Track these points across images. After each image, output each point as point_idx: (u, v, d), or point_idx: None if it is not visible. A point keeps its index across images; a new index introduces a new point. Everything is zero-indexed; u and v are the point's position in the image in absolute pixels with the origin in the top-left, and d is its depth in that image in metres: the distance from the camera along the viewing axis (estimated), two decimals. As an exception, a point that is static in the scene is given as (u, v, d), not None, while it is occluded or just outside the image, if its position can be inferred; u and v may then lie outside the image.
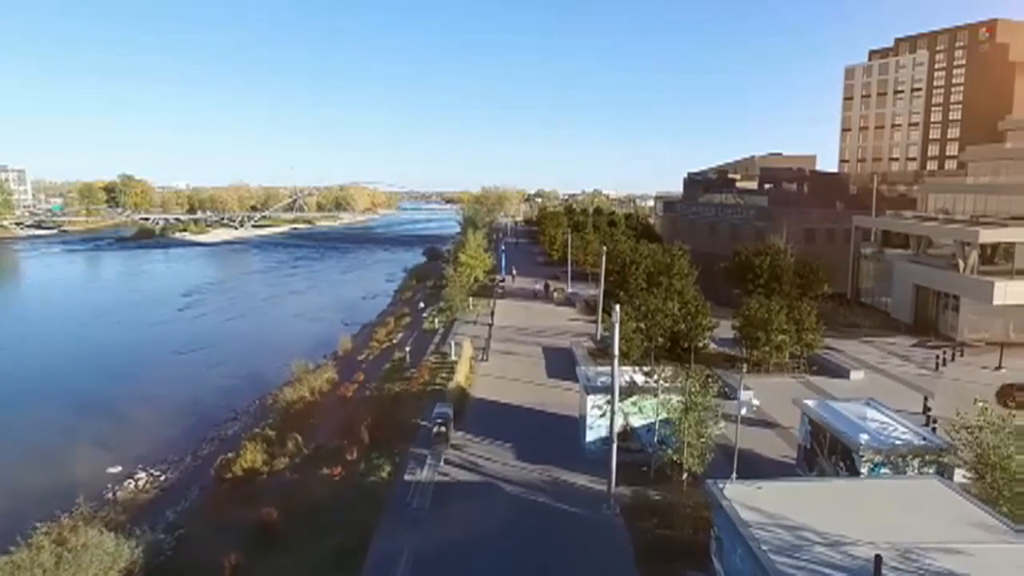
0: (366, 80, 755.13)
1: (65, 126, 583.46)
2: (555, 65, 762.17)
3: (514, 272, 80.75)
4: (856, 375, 38.28)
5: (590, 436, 26.69)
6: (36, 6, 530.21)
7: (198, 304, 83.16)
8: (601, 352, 44.82)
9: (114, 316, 75.34)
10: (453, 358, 41.85)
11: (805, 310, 44.51)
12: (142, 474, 33.58)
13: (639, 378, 26.03)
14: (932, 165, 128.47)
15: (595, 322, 55.51)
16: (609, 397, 26.17)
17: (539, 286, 65.53)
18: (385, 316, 67.70)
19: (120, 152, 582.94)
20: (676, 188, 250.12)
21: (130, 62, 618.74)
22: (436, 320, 54.01)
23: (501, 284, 71.61)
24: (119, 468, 34.36)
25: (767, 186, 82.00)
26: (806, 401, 24.26)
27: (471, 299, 59.44)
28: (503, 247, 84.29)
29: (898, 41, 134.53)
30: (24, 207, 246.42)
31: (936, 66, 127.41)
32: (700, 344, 45.19)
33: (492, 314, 53.24)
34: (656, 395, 25.40)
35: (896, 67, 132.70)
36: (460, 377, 35.02)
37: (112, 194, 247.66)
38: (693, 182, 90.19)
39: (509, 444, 28.38)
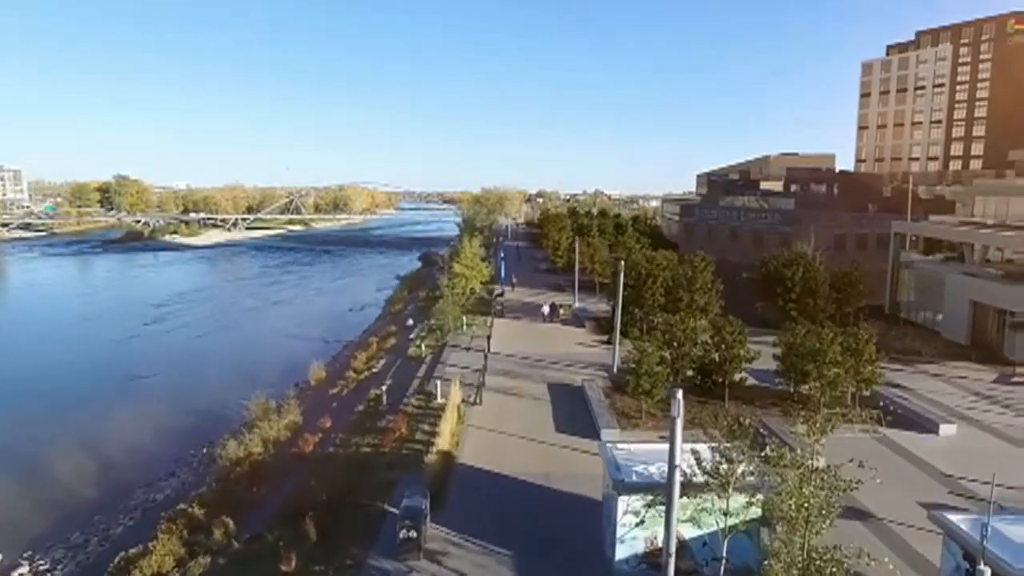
0: (366, 80, 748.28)
1: (67, 127, 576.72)
2: (555, 65, 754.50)
3: (514, 281, 72.46)
4: (946, 429, 29.79)
5: (621, 551, 18.31)
6: (38, 6, 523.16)
7: (170, 316, 74.83)
8: (619, 390, 36.54)
9: (72, 331, 67.15)
10: (439, 400, 33.57)
11: (862, 337, 36.19)
12: (25, 568, 25.23)
13: (704, 452, 17.54)
14: (955, 165, 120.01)
15: (608, 345, 47.19)
16: (650, 499, 17.91)
17: (545, 307, 55.58)
18: (369, 335, 59.41)
19: (121, 153, 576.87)
20: (678, 189, 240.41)
21: (132, 62, 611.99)
22: (423, 345, 45.65)
23: (499, 298, 63.20)
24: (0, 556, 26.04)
25: (793, 188, 73.59)
26: (951, 517, 15.78)
27: (464, 318, 51.01)
28: (502, 254, 75.82)
29: (919, 34, 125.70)
30: (22, 207, 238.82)
31: (960, 60, 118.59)
32: (736, 377, 36.86)
33: (488, 338, 44.85)
34: (723, 495, 16.99)
35: (917, 62, 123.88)
36: (444, 439, 26.64)
37: (107, 195, 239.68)
38: (712, 183, 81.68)
39: (505, 552, 20.00)
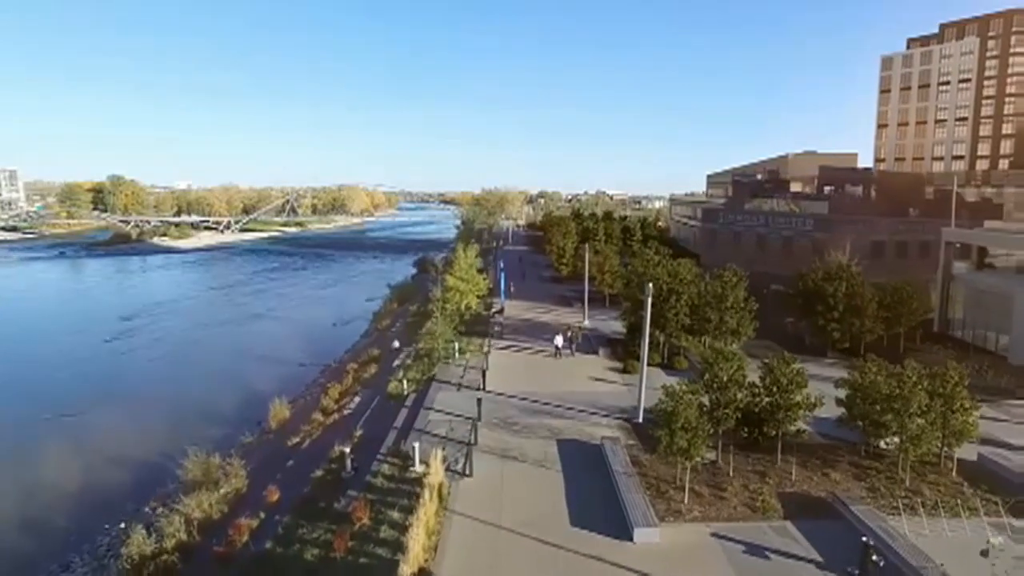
0: (366, 81, 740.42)
1: (69, 128, 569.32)
2: (557, 65, 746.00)
3: (512, 289, 63.95)
4: (1107, 524, 21.56)
5: None
6: (43, 7, 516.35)
7: (133, 332, 66.55)
8: (646, 442, 28.46)
9: (14, 352, 58.80)
10: (417, 468, 25.46)
11: (951, 378, 28.24)
12: None
13: None
14: (982, 164, 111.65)
15: (626, 375, 39.12)
16: None
17: (558, 337, 43.19)
18: (349, 359, 51.17)
19: (124, 153, 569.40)
20: (681, 189, 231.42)
21: (133, 64, 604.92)
22: (406, 380, 37.37)
23: (498, 315, 55.09)
24: None
25: (827, 189, 65.22)
26: None
27: (456, 343, 42.77)
28: (502, 264, 67.43)
29: (943, 27, 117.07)
30: (18, 207, 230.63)
31: (988, 54, 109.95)
32: (793, 428, 28.60)
33: (484, 373, 36.54)
34: None
35: (941, 56, 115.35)
36: (416, 548, 18.41)
37: (101, 195, 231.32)
38: (737, 185, 73.16)
39: None
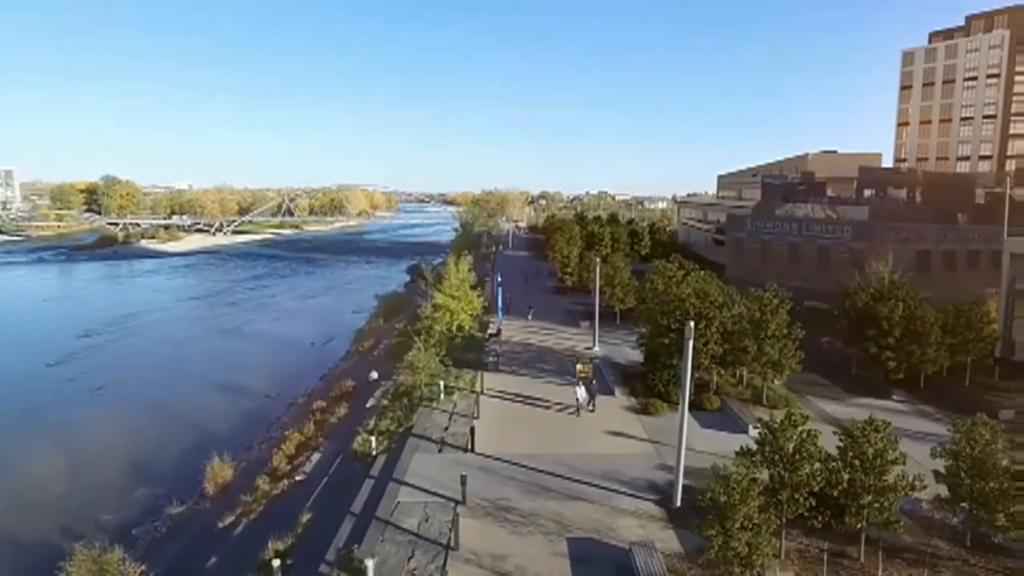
0: (366, 81, 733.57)
1: (71, 129, 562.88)
2: (556, 64, 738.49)
3: (508, 299, 55.77)
4: None
5: None
6: (43, 8, 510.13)
7: (87, 352, 58.56)
8: (692, 547, 20.54)
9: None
10: (370, 596, 17.54)
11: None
12: None
13: None
14: (1012, 164, 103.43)
15: (647, 416, 31.29)
16: None
17: (579, 390, 32.43)
18: (316, 396, 43.12)
19: (124, 153, 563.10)
20: (684, 190, 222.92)
21: (133, 64, 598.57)
22: (377, 434, 29.37)
23: (494, 338, 47.21)
24: None
25: (867, 193, 57.21)
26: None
27: (442, 383, 34.77)
28: (499, 277, 59.37)
29: (969, 19, 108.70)
30: (12, 209, 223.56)
31: (1018, 47, 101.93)
32: (883, 517, 20.48)
33: (472, 429, 28.49)
34: None
35: (966, 50, 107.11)
36: None
37: (94, 196, 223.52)
38: (768, 188, 64.90)
39: None
